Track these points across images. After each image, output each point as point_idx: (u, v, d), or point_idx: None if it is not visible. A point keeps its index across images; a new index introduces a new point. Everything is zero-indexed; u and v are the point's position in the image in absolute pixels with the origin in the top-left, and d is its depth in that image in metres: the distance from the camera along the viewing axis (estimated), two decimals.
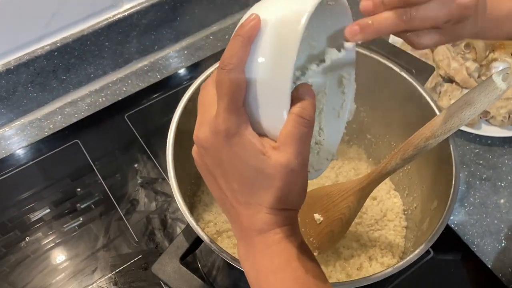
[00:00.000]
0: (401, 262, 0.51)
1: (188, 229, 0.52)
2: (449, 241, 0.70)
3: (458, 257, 0.69)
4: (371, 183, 0.56)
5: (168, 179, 0.55)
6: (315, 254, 0.60)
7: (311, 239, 0.59)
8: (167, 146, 0.56)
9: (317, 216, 0.58)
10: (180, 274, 0.49)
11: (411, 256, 0.51)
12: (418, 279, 0.67)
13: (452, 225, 0.72)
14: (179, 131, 0.57)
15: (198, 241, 0.52)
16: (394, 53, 0.64)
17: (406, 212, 0.68)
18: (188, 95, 0.59)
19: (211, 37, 0.94)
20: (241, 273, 0.50)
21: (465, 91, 0.81)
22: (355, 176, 0.71)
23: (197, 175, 0.66)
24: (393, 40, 0.82)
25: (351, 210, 0.57)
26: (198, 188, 0.68)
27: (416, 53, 0.77)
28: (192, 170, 0.64)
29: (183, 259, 0.51)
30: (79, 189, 0.75)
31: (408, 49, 0.74)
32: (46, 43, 0.75)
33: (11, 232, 0.71)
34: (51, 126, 0.82)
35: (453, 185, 0.53)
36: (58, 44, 0.76)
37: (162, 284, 0.66)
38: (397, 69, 0.61)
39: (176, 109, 0.59)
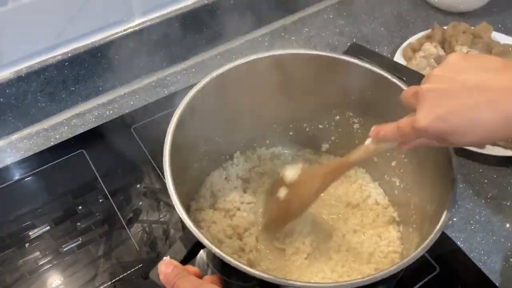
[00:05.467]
0: (399, 264, 0.47)
1: (186, 235, 0.50)
2: (456, 257, 0.69)
3: (465, 274, 0.68)
4: (334, 172, 0.58)
5: (168, 188, 0.53)
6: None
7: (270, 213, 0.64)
8: (163, 155, 0.55)
9: (282, 191, 0.61)
10: None
11: (405, 260, 0.48)
12: None
13: (458, 242, 0.71)
14: (174, 140, 0.57)
15: (197, 246, 0.50)
16: (384, 63, 0.64)
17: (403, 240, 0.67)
18: (183, 106, 0.60)
19: (218, 57, 0.96)
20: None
21: None
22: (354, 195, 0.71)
23: (193, 183, 0.67)
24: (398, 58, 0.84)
25: (311, 194, 0.60)
26: (193, 197, 0.68)
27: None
28: (187, 178, 0.65)
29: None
30: (81, 199, 0.74)
31: (414, 63, 0.75)
32: (57, 53, 0.77)
33: (10, 249, 0.70)
34: (57, 136, 0.82)
35: (452, 180, 0.52)
36: (69, 55, 0.78)
37: None
38: (388, 76, 0.61)
39: (172, 118, 0.59)
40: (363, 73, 0.62)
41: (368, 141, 0.53)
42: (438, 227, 0.49)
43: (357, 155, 0.55)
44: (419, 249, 0.48)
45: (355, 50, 0.65)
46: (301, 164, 0.64)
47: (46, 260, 0.69)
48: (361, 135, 0.70)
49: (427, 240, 0.48)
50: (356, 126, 0.70)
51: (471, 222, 0.73)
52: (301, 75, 0.65)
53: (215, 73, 0.62)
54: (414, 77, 0.63)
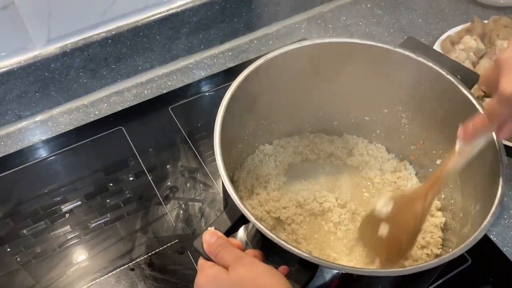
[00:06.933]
0: (436, 260, 0.48)
1: (231, 209, 0.52)
2: (488, 250, 0.69)
3: (497, 268, 0.68)
4: (432, 188, 0.55)
5: (216, 160, 0.54)
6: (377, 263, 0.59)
7: (379, 252, 0.59)
8: (215, 128, 0.56)
9: (382, 228, 0.57)
10: None
11: (449, 254, 0.49)
12: (455, 285, 0.66)
13: (491, 236, 0.71)
14: (225, 116, 0.58)
15: (241, 221, 0.52)
16: (439, 59, 0.64)
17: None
18: (235, 85, 0.59)
19: (255, 42, 0.97)
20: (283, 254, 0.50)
21: None
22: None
23: (232, 165, 0.69)
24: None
25: (416, 218, 0.56)
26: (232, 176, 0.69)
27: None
28: (229, 159, 0.66)
29: None
30: (120, 174, 0.76)
31: (453, 56, 0.74)
32: (101, 30, 0.79)
33: (42, 221, 0.72)
34: (96, 112, 0.84)
35: (501, 181, 0.52)
36: (113, 32, 0.79)
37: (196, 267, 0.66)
38: (443, 73, 0.61)
39: (225, 96, 0.60)
40: (417, 67, 0.62)
41: (458, 145, 0.50)
42: (483, 225, 0.49)
43: (451, 163, 0.52)
44: (463, 245, 0.48)
45: (410, 44, 0.64)
46: (390, 193, 0.62)
47: (75, 235, 0.71)
48: (408, 131, 0.70)
49: (473, 235, 0.49)
50: (404, 121, 0.69)
51: (505, 216, 0.73)
52: (352, 65, 0.65)
53: (270, 55, 0.61)
54: (468, 76, 0.62)
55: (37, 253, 0.68)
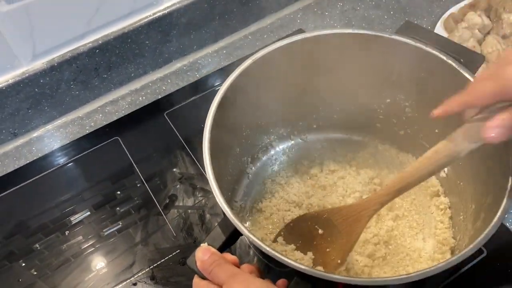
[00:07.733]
0: (450, 259, 0.46)
1: (225, 222, 0.50)
2: (505, 240, 0.65)
3: None
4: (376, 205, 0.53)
5: (206, 172, 0.52)
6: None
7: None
8: (203, 137, 0.54)
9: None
10: None
11: (463, 252, 0.46)
12: (471, 279, 0.63)
13: (507, 224, 0.67)
14: (215, 123, 0.56)
15: (235, 234, 0.50)
16: (441, 43, 0.60)
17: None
18: (224, 89, 0.57)
19: (249, 37, 0.94)
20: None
21: None
22: None
23: (233, 172, 0.66)
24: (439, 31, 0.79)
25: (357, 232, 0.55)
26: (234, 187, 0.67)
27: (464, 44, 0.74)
28: (227, 166, 0.64)
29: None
30: (118, 185, 0.75)
31: (456, 35, 0.70)
32: (88, 41, 0.77)
33: (53, 234, 0.71)
34: (92, 124, 0.83)
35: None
36: (100, 42, 0.77)
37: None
38: (443, 57, 0.57)
39: (213, 102, 0.57)
40: (417, 53, 0.58)
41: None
42: (496, 217, 0.47)
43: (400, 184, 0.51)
44: (472, 245, 0.46)
45: (408, 29, 0.61)
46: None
47: (89, 244, 0.70)
48: (412, 120, 0.67)
49: (488, 229, 0.46)
50: (407, 110, 0.66)
51: None
52: (349, 56, 0.61)
53: (259, 54, 0.59)
54: (472, 58, 0.58)
55: (53, 266, 0.68)
